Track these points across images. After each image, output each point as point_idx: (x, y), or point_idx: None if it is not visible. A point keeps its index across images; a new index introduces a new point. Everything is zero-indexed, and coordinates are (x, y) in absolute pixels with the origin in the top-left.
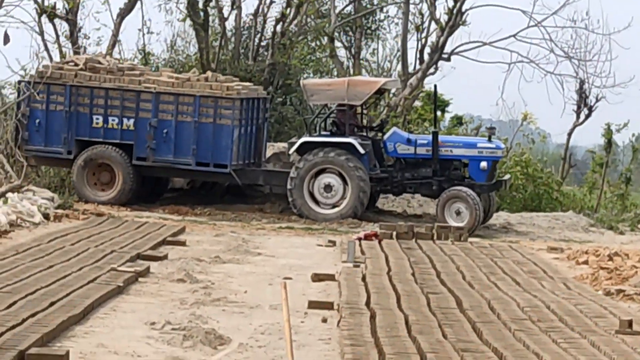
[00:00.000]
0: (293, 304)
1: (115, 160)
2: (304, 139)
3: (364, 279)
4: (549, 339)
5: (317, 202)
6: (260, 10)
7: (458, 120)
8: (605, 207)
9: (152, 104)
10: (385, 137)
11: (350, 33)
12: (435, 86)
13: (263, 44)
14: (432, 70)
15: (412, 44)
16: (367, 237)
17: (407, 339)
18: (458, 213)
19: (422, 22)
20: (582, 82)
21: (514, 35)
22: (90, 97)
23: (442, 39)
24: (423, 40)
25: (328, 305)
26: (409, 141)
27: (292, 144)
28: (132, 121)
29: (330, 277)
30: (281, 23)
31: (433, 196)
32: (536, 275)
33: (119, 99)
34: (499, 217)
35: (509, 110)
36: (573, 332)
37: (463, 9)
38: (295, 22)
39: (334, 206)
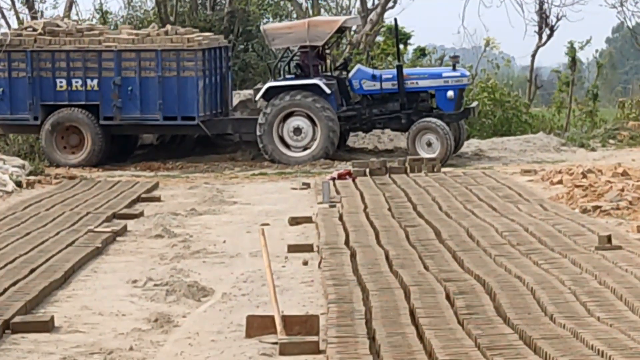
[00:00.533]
0: (273, 249)
1: (82, 122)
2: (269, 84)
3: (341, 218)
4: (530, 261)
5: (287, 146)
6: None
7: (421, 52)
8: (574, 125)
9: (114, 62)
10: (350, 75)
11: None
12: (395, 20)
13: None
14: (391, 4)
15: None
16: (341, 176)
17: (389, 274)
18: (429, 144)
19: None
20: (541, 3)
21: None
22: (51, 61)
23: None
24: None
25: (308, 248)
26: (374, 77)
27: (258, 90)
28: (95, 81)
29: (308, 220)
30: None
31: (402, 130)
32: (512, 199)
33: (80, 61)
34: (470, 145)
35: (471, 37)
36: (553, 253)
37: None
38: None
39: (305, 148)
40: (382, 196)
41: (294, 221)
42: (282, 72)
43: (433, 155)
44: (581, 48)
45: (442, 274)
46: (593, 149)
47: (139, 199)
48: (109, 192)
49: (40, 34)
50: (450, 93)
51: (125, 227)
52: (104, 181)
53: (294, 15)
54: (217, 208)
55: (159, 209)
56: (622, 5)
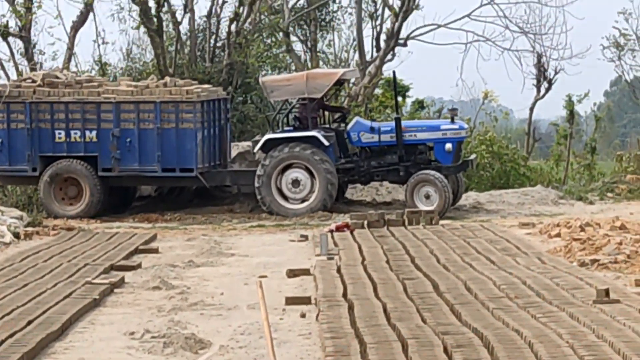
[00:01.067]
0: (270, 301)
1: (80, 173)
2: (267, 136)
3: (339, 270)
4: (527, 314)
5: (286, 197)
6: (213, 11)
7: (419, 105)
8: (572, 179)
9: (113, 114)
10: (349, 127)
11: (305, 26)
12: (394, 72)
13: (219, 44)
14: (389, 56)
15: (367, 32)
16: (339, 229)
17: (387, 327)
18: (427, 197)
19: (376, 10)
20: (539, 56)
21: (468, 15)
22: (50, 112)
23: (396, 24)
24: (378, 28)
25: (305, 300)
26: (372, 129)
27: (256, 142)
28: (94, 133)
29: (305, 272)
30: (235, 22)
31: (401, 182)
32: (510, 252)
33: (79, 112)
34: (469, 197)
35: (469, 90)
36: (551, 306)
37: None
38: (249, 20)
39: (303, 200)
40: (380, 249)
41: (292, 273)
42: (280, 125)
43: (431, 208)
44: (579, 101)
45: (439, 327)
46: (591, 202)
47: (136, 251)
48: (106, 244)
49: (39, 86)
50: (448, 145)
51: (122, 278)
52: (101, 233)
53: (293, 68)
54: (215, 260)
55: (156, 261)
56: (620, 59)
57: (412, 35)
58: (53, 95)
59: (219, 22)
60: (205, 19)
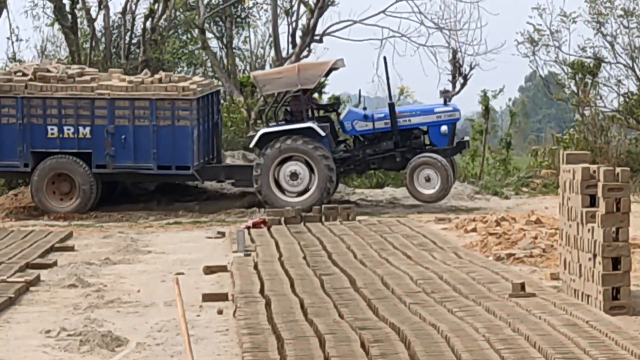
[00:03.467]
0: (187, 298)
1: (73, 169)
2: (262, 130)
3: (256, 267)
4: (444, 309)
5: (283, 191)
6: (128, 8)
7: (336, 100)
8: (488, 174)
9: (107, 110)
10: (342, 116)
11: (221, 23)
12: (384, 58)
13: (134, 41)
14: (305, 53)
15: (283, 28)
16: (256, 225)
17: (304, 323)
18: (428, 179)
19: (291, 6)
20: (454, 52)
21: (383, 11)
22: (42, 107)
23: (312, 20)
24: (294, 24)
25: (222, 297)
26: (366, 117)
27: (252, 137)
28: (88, 129)
29: (223, 269)
30: (150, 19)
31: (397, 169)
32: (426, 247)
33: (73, 108)
34: (385, 193)
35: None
36: (467, 300)
37: None
38: (164, 16)
39: (301, 193)
40: (297, 245)
41: (209, 270)
42: (274, 118)
43: (432, 191)
44: (494, 97)
45: (357, 322)
46: (506, 197)
47: (52, 249)
48: (22, 242)
49: (30, 80)
50: (444, 128)
51: (38, 276)
52: (17, 231)
53: (208, 64)
54: (132, 257)
55: (72, 259)
56: (534, 54)
57: (327, 31)
58: (46, 90)
59: (134, 18)
60: (120, 15)
